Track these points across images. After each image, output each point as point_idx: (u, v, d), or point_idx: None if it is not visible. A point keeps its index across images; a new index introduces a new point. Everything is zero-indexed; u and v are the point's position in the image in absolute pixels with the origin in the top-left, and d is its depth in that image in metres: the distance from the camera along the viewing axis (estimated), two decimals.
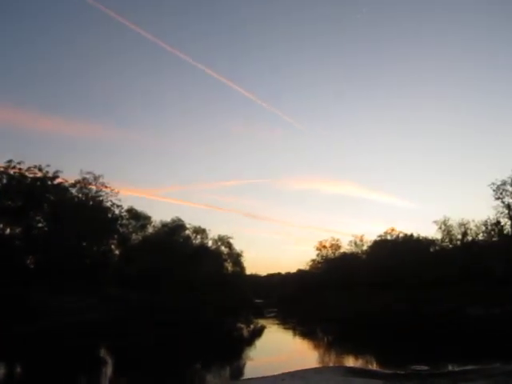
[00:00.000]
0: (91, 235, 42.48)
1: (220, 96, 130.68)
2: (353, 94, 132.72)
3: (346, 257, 68.54)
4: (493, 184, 47.21)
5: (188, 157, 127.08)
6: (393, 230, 64.75)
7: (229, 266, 66.79)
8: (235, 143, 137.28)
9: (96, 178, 46.14)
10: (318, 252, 75.21)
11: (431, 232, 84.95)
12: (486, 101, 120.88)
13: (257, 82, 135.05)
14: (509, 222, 48.54)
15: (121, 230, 50.86)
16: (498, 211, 47.98)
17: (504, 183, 46.99)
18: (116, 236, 49.30)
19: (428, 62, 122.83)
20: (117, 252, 51.93)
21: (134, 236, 56.42)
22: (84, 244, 43.38)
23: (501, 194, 47.21)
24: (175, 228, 59.51)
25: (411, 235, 61.54)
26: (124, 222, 52.06)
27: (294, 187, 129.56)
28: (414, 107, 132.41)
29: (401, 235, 63.26)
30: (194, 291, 47.35)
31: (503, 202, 47.28)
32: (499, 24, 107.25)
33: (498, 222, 49.44)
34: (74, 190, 45.48)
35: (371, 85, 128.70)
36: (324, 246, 74.77)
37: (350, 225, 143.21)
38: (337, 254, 73.21)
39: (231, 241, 66.39)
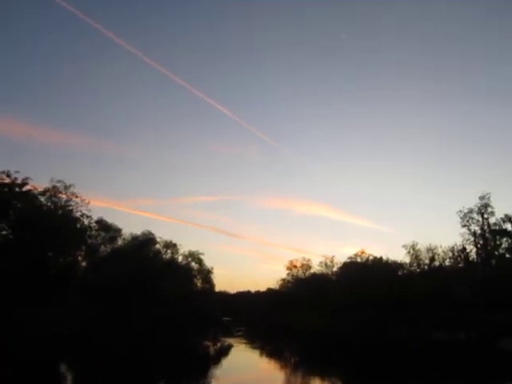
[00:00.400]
0: (58, 245, 41.34)
1: (198, 112, 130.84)
2: (330, 119, 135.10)
3: (316, 277, 68.81)
4: (460, 211, 48.82)
5: (163, 171, 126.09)
6: (363, 252, 65.58)
7: (198, 283, 66.13)
8: (211, 159, 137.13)
9: (67, 187, 45.20)
10: (288, 271, 75.41)
11: (400, 256, 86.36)
12: (456, 131, 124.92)
13: (235, 100, 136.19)
14: (474, 249, 49.89)
15: (89, 241, 49.76)
16: (465, 238, 49.36)
17: (471, 211, 48.54)
18: (84, 247, 48.17)
19: (398, 92, 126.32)
20: (84, 264, 50.71)
21: (102, 248, 55.29)
22: (50, 254, 42.16)
23: (467, 221, 48.68)
24: (145, 241, 58.66)
25: (380, 258, 62.37)
26: (93, 233, 51.02)
27: (268, 206, 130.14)
28: (387, 133, 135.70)
29: (370, 258, 64.06)
30: (162, 306, 46.52)
31: (469, 230, 48.71)
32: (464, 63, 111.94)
33: (464, 249, 50.71)
34: (43, 199, 44.31)
35: (347, 110, 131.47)
36: (295, 266, 75.00)
37: (322, 246, 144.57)
38: (307, 274, 73.47)
39: (202, 257, 65.95)
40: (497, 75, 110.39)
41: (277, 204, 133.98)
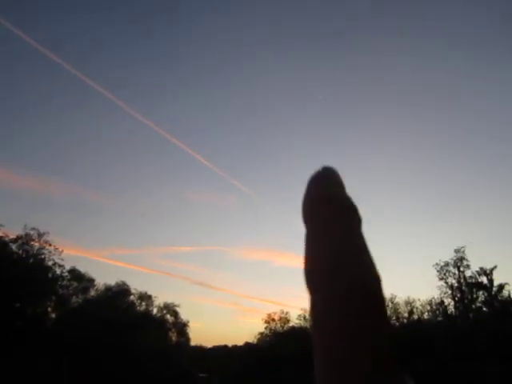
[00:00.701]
0: (27, 295, 39.75)
1: (175, 161, 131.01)
2: (311, 172, 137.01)
3: (294, 331, 67.27)
4: (436, 264, 49.19)
5: (139, 219, 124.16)
6: None
7: (173, 336, 63.86)
8: (188, 208, 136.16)
9: (40, 235, 44.20)
10: (266, 325, 73.62)
11: None
12: (431, 185, 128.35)
13: (213, 149, 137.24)
14: (452, 303, 49.91)
15: (60, 291, 48.03)
16: (442, 291, 49.46)
17: (447, 264, 48.98)
18: (54, 298, 46.41)
19: (374, 151, 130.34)
20: (53, 315, 48.61)
21: (74, 298, 53.26)
22: (17, 305, 40.40)
23: (444, 274, 49.00)
24: (119, 292, 56.91)
25: None
26: (65, 283, 49.36)
27: (246, 257, 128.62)
28: (365, 188, 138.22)
29: None
30: (134, 362, 44.47)
31: (446, 283, 48.93)
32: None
33: (443, 302, 50.68)
34: (14, 246, 43.14)
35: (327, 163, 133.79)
36: (273, 319, 73.38)
37: (301, 298, 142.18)
38: (285, 327, 71.82)
39: (177, 309, 64.14)
40: (469, 134, 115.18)
41: (255, 255, 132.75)
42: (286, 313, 73.15)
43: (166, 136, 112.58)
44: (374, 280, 0.28)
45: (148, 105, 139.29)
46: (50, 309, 47.23)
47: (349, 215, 0.29)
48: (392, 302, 56.08)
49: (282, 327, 71.94)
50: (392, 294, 56.50)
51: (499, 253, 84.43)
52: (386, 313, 0.27)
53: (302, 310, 73.03)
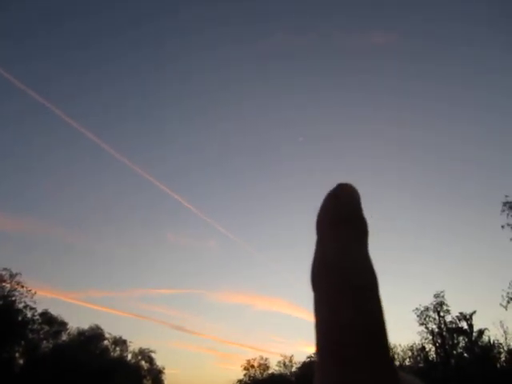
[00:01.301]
0: None
1: (156, 202, 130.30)
2: (293, 216, 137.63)
3: (274, 378, 65.39)
4: (416, 309, 48.88)
5: (116, 261, 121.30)
6: None
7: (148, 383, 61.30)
8: (167, 251, 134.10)
9: (12, 276, 42.78)
10: (245, 372, 71.39)
11: None
12: (409, 229, 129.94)
13: (195, 192, 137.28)
14: (433, 348, 49.37)
15: (30, 335, 46.05)
16: (423, 336, 49.03)
17: (427, 309, 48.75)
18: (23, 342, 44.41)
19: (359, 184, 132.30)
20: (21, 361, 46.32)
21: (44, 343, 51.00)
22: None
23: (424, 319, 48.68)
24: (93, 337, 54.85)
25: None
26: (36, 326, 47.36)
27: (227, 300, 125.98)
28: None
29: None
30: None
31: (427, 328, 48.56)
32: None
33: (424, 348, 50.14)
34: None
35: (309, 209, 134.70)
36: (252, 366, 71.30)
37: (281, 344, 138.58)
38: (265, 374, 69.80)
39: (153, 355, 61.95)
40: (448, 180, 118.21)
41: (235, 299, 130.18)
42: (266, 359, 71.38)
43: (146, 177, 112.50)
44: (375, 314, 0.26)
45: (131, 148, 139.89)
46: (17, 354, 45.09)
47: (362, 238, 0.28)
48: None
49: (262, 374, 69.87)
50: None
51: (477, 297, 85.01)
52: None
53: (281, 356, 71.62)
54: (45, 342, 51.04)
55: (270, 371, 69.33)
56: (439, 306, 48.84)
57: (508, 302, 31.30)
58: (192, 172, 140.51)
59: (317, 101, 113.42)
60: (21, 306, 43.15)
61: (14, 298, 43.01)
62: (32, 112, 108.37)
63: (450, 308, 48.51)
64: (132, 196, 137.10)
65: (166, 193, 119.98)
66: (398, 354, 54.07)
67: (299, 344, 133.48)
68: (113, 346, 58.60)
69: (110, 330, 58.37)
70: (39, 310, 46.93)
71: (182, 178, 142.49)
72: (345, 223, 0.28)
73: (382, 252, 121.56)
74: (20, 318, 42.90)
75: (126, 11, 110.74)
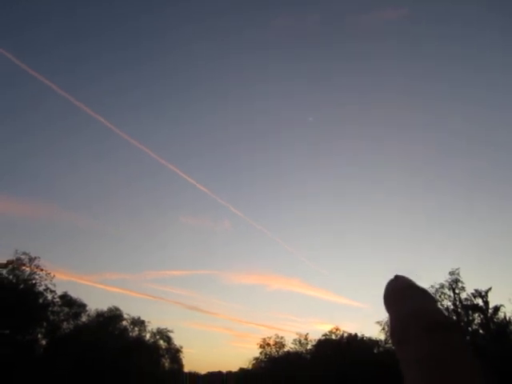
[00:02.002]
0: (16, 322, 38.95)
1: (168, 184, 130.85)
2: (305, 197, 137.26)
3: (290, 356, 66.27)
4: (431, 287, 48.82)
5: (131, 244, 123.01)
6: (337, 329, 64.09)
7: (166, 363, 62.63)
8: (182, 233, 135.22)
9: (31, 260, 43.65)
10: (261, 350, 72.43)
11: (375, 332, 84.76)
12: (425, 209, 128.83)
13: (208, 173, 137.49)
14: None
15: (51, 317, 47.16)
16: None
17: (442, 286, 48.68)
18: (45, 324, 45.52)
19: (369, 171, 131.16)
20: (44, 342, 47.58)
21: (65, 325, 52.21)
22: (7, 332, 39.53)
23: (439, 296, 48.66)
24: (111, 318, 55.98)
25: (355, 335, 61.05)
26: (56, 308, 48.46)
27: (241, 281, 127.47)
28: (360, 211, 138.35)
29: (345, 335, 62.58)
30: None
31: (442, 305, 48.51)
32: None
33: None
34: (4, 271, 42.52)
35: (323, 190, 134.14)
36: (268, 344, 72.23)
37: (296, 322, 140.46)
38: (281, 352, 70.72)
39: (171, 335, 63.09)
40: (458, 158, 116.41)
41: (249, 279, 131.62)
42: (281, 337, 72.28)
43: (160, 161, 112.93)
44: None
45: (143, 131, 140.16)
46: (40, 335, 46.25)
47: (453, 336, 0.26)
48: (387, 326, 55.45)
49: (278, 352, 70.88)
50: (387, 317, 55.71)
51: (492, 274, 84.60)
52: None
53: (297, 334, 72.33)
54: (65, 323, 52.24)
55: (286, 349, 70.47)
56: (454, 283, 48.79)
57: None
58: (205, 154, 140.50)
59: (329, 80, 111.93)
60: (41, 288, 44.10)
61: (34, 282, 43.93)
62: (41, 98, 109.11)
63: (465, 285, 48.50)
64: (145, 179, 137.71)
65: (179, 175, 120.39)
66: None
67: (313, 322, 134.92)
68: (131, 327, 59.78)
69: (127, 311, 59.53)
70: (59, 293, 47.94)
71: (194, 160, 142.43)
72: (430, 327, 0.28)
73: (397, 229, 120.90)
74: (41, 301, 43.88)
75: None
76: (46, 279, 44.30)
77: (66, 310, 52.17)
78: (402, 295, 0.33)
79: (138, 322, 60.17)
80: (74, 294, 53.93)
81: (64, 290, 51.73)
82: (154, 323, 76.39)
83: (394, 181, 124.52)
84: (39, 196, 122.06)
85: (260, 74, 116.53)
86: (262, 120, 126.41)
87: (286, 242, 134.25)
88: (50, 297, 45.15)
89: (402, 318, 0.28)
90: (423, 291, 0.31)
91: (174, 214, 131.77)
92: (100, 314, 56.09)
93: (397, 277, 0.37)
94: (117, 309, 57.52)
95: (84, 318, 54.74)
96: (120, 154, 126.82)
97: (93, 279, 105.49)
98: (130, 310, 70.85)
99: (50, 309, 46.30)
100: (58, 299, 48.24)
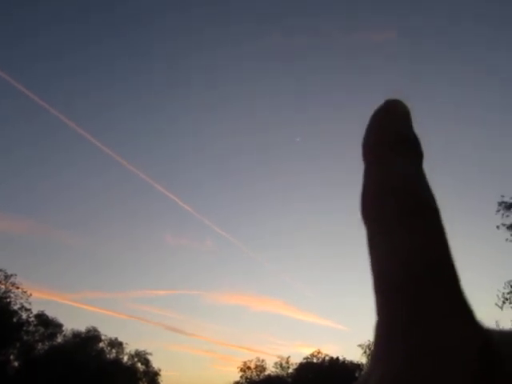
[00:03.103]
0: None
1: (152, 201, 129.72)
2: (289, 218, 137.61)
3: (271, 380, 65.24)
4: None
5: (112, 262, 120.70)
6: (319, 352, 63.55)
7: None
8: (165, 252, 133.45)
9: (7, 277, 42.59)
10: (242, 373, 71.17)
11: (357, 355, 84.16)
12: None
13: (192, 192, 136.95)
14: None
15: (25, 337, 45.81)
16: None
17: None
18: (18, 344, 44.15)
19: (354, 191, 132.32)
20: (16, 363, 46.06)
21: (39, 345, 50.71)
22: None
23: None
24: (88, 339, 54.54)
25: (337, 358, 60.58)
26: (31, 328, 47.13)
27: (223, 302, 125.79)
28: (345, 230, 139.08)
29: (327, 358, 62.06)
30: None
31: None
32: None
33: None
34: None
35: (307, 211, 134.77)
36: (248, 367, 71.03)
37: (278, 345, 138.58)
38: (262, 376, 69.55)
39: (149, 357, 61.52)
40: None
41: (231, 300, 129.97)
42: (262, 360, 71.02)
43: (142, 176, 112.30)
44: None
45: (125, 145, 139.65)
46: (12, 356, 44.82)
47: (420, 161, 0.24)
48: (369, 349, 55.16)
49: (258, 376, 69.57)
50: (370, 341, 55.66)
51: (471, 297, 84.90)
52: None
53: (278, 357, 71.45)
54: (40, 343, 50.72)
55: (267, 373, 69.16)
56: None
57: (503, 303, 31.21)
58: (189, 172, 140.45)
59: (315, 100, 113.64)
60: (16, 307, 42.98)
61: (8, 300, 42.81)
62: (30, 113, 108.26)
63: None
64: (128, 197, 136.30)
65: (162, 192, 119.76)
66: None
67: (296, 345, 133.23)
68: (109, 348, 58.29)
69: (107, 332, 58.31)
70: (35, 312, 46.79)
71: (178, 177, 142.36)
72: (400, 144, 0.24)
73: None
74: (15, 320, 42.68)
75: (125, 11, 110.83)
76: (21, 297, 43.31)
77: (42, 330, 50.73)
78: (387, 146, 0.24)
79: (116, 344, 58.77)
80: (51, 314, 52.66)
81: (41, 309, 50.53)
82: (134, 345, 74.83)
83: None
84: (17, 211, 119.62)
85: (248, 91, 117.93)
86: (248, 138, 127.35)
87: (270, 263, 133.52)
88: (24, 316, 44.08)
89: (380, 192, 0.23)
90: (413, 144, 0.24)
91: (158, 233, 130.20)
92: (77, 335, 54.67)
93: (389, 104, 0.25)
94: (95, 329, 56.23)
95: (60, 339, 53.28)
96: (103, 171, 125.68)
97: (72, 298, 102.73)
98: (109, 331, 69.54)
99: (25, 328, 45.06)
100: (33, 318, 47.07)
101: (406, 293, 0.20)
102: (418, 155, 0.24)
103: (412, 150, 0.24)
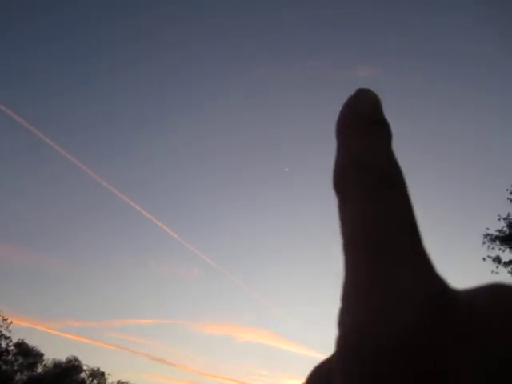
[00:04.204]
0: None
1: (137, 228, 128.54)
2: (276, 247, 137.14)
3: None
4: None
5: (96, 289, 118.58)
6: None
7: None
8: (149, 279, 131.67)
9: None
10: None
11: None
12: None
13: (179, 220, 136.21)
14: None
15: (4, 367, 44.38)
16: None
17: None
18: None
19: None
20: None
21: (18, 376, 49.10)
22: None
23: None
24: (69, 369, 53.00)
25: None
26: (10, 357, 45.75)
27: (209, 332, 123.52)
28: (332, 263, 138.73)
29: None
30: None
31: None
32: None
33: None
34: None
35: (295, 238, 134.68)
36: None
37: (266, 377, 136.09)
38: None
39: None
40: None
41: (218, 330, 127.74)
42: None
43: (126, 202, 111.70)
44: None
45: (114, 172, 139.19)
46: None
47: (388, 138, 0.25)
48: None
49: None
50: None
51: None
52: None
53: None
54: (19, 374, 49.11)
55: None
56: None
57: None
58: (177, 200, 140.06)
59: (303, 132, 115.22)
60: None
61: None
62: (10, 132, 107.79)
63: None
64: (112, 221, 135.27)
65: (148, 218, 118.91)
66: None
67: (283, 377, 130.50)
68: (90, 379, 56.65)
69: (89, 362, 56.83)
70: (15, 340, 45.57)
71: (167, 205, 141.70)
72: (370, 123, 0.26)
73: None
74: None
75: (127, 25, 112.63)
76: (1, 325, 42.21)
77: (21, 359, 49.21)
78: (358, 125, 0.26)
79: (98, 374, 57.16)
80: (32, 342, 51.29)
81: (21, 337, 49.21)
82: (116, 375, 72.87)
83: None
84: None
85: (238, 124, 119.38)
86: (237, 169, 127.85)
87: (259, 292, 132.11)
88: (4, 344, 42.86)
89: (347, 164, 0.24)
90: (383, 125, 0.25)
91: (142, 260, 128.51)
92: (57, 365, 53.14)
93: (361, 91, 0.28)
94: (76, 359, 54.73)
95: (40, 369, 51.69)
96: (87, 194, 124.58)
97: (54, 326, 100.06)
98: (91, 361, 67.72)
99: (3, 358, 43.73)
100: (13, 347, 45.77)
101: (368, 249, 0.21)
102: (388, 135, 0.26)
103: (382, 130, 0.26)
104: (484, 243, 29.32)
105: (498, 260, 28.55)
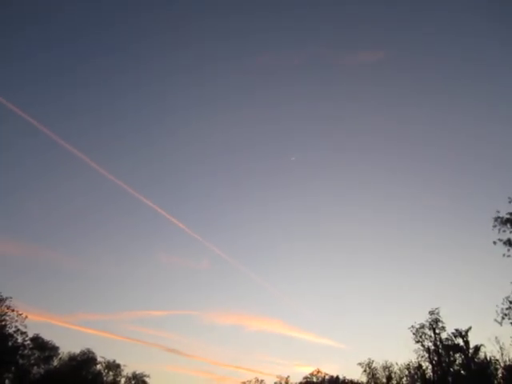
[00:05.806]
0: None
1: (150, 223, 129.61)
2: (285, 237, 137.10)
3: None
4: (412, 327, 48.32)
5: (109, 283, 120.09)
6: (318, 371, 62.78)
7: None
8: (162, 272, 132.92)
9: (3, 300, 42.04)
10: None
11: (357, 373, 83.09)
12: (406, 245, 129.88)
13: (188, 212, 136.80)
14: (430, 366, 48.79)
15: (21, 361, 45.06)
16: (419, 354, 48.42)
17: (422, 326, 48.28)
18: (13, 368, 43.41)
19: (348, 216, 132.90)
20: None
21: (35, 369, 49.91)
22: None
23: (420, 337, 48.17)
24: (85, 362, 53.73)
25: (337, 377, 59.88)
26: (26, 352, 46.40)
27: (220, 322, 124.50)
28: (338, 252, 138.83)
29: (327, 377, 61.38)
30: None
31: (423, 346, 48.05)
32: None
33: (420, 366, 49.57)
34: None
35: (301, 230, 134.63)
36: None
37: (276, 364, 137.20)
38: None
39: (147, 379, 60.72)
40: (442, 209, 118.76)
41: (228, 320, 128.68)
42: (261, 381, 70.06)
43: (140, 198, 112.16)
44: None
45: (122, 168, 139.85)
46: (7, 381, 44.00)
47: None
48: (369, 367, 54.59)
49: None
50: (369, 359, 55.09)
51: (472, 313, 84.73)
52: None
53: (277, 377, 70.34)
54: (36, 367, 49.91)
55: None
56: (434, 323, 48.41)
57: (503, 318, 31.18)
58: (187, 193, 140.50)
59: (310, 118, 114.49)
60: (11, 330, 42.27)
61: (4, 323, 42.16)
62: (15, 129, 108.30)
63: (445, 325, 48.12)
64: (124, 217, 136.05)
65: (161, 214, 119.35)
66: (395, 372, 53.44)
67: (295, 364, 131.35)
68: (106, 371, 57.44)
69: (103, 354, 57.24)
70: (30, 335, 46.13)
71: (175, 198, 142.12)
72: None
73: (377, 269, 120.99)
74: (10, 344, 42.00)
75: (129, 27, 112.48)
76: (17, 320, 42.62)
77: (37, 353, 50.00)
78: None
79: (114, 366, 57.94)
80: (47, 336, 52.03)
81: (37, 332, 50.00)
82: (131, 366, 73.50)
83: (379, 225, 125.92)
84: (12, 234, 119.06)
85: (242, 117, 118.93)
86: (245, 162, 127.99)
87: (268, 282, 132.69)
88: (20, 339, 43.31)
89: None
90: None
91: (154, 254, 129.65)
92: (73, 358, 53.91)
93: None
94: (90, 351, 55.44)
95: (56, 362, 52.52)
96: (100, 192, 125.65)
97: (68, 320, 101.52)
98: (106, 353, 68.33)
99: (20, 352, 44.34)
100: (29, 342, 46.43)
101: None
102: None
103: None
104: (495, 226, 29.10)
105: (509, 242, 28.28)
